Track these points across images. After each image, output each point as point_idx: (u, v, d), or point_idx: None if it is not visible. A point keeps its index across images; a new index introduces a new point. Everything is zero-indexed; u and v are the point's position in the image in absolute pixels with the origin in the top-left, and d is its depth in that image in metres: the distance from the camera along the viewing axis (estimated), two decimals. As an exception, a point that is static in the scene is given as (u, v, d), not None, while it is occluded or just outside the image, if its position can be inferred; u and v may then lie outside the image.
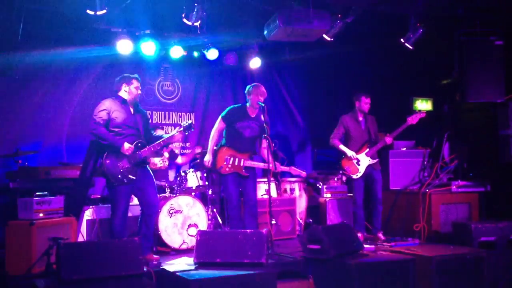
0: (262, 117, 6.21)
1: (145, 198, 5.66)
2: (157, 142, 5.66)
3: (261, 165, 6.38)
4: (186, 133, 5.84)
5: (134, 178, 5.49)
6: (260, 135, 6.37)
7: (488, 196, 7.17)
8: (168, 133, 6.78)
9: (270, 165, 6.04)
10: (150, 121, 7.27)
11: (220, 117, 6.38)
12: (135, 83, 5.68)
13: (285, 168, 6.58)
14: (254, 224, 6.29)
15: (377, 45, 8.39)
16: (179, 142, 7.95)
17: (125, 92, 5.67)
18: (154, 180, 5.79)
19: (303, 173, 6.63)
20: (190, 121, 5.82)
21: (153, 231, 5.80)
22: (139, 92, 5.73)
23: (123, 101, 5.65)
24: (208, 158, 6.37)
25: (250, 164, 6.29)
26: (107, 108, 5.52)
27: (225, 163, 6.22)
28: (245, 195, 6.37)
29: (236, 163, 6.25)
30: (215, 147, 6.36)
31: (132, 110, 5.69)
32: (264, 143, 6.21)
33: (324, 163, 9.02)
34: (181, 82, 8.80)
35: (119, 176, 5.44)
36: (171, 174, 7.85)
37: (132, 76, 5.74)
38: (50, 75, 7.60)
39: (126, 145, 5.45)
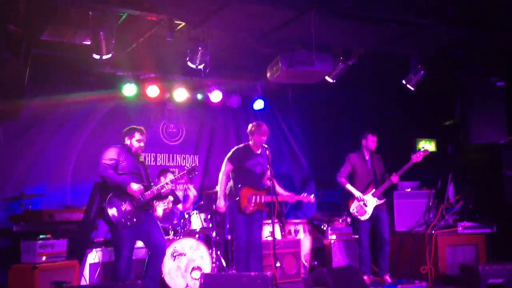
0: (266, 152, 6.24)
1: (152, 240, 5.62)
2: (161, 185, 5.68)
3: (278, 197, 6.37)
4: (190, 176, 5.85)
5: (136, 221, 5.47)
6: (267, 169, 6.35)
7: (495, 237, 7.09)
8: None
9: (273, 204, 6.04)
10: (154, 163, 7.30)
11: (226, 160, 6.39)
12: (137, 136, 5.73)
13: (294, 197, 6.68)
14: (259, 267, 6.23)
15: (379, 86, 8.48)
16: (182, 184, 7.95)
17: (129, 146, 5.72)
18: (158, 223, 5.77)
19: (313, 199, 6.69)
20: (194, 164, 5.85)
21: (160, 273, 5.73)
22: (141, 144, 5.77)
23: (128, 149, 5.71)
24: (221, 203, 6.37)
25: (268, 199, 6.24)
26: (115, 157, 5.57)
27: (248, 203, 6.21)
28: (250, 237, 6.32)
29: (258, 201, 6.27)
30: (227, 190, 6.36)
31: (137, 159, 5.75)
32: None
33: (328, 204, 9.00)
34: (185, 124, 8.86)
35: (123, 220, 5.42)
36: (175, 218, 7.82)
37: (136, 128, 5.78)
38: (55, 119, 7.67)
39: (135, 186, 5.47)
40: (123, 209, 5.44)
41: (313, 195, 6.72)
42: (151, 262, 5.60)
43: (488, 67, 6.99)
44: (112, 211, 5.42)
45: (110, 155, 5.58)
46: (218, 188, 6.45)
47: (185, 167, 5.86)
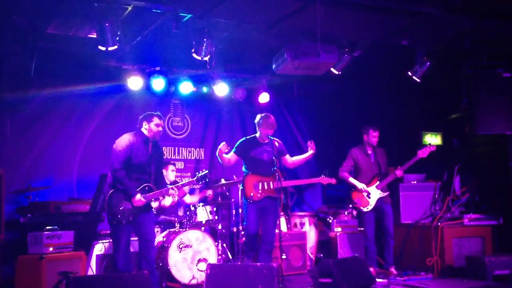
0: (276, 143, 6.21)
1: (141, 232, 5.63)
2: (166, 189, 5.67)
3: (290, 182, 6.34)
4: (200, 183, 5.86)
5: (132, 220, 5.47)
6: (277, 157, 6.32)
7: (501, 229, 7.08)
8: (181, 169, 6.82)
9: (279, 196, 6.02)
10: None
11: (232, 152, 6.37)
12: (156, 120, 5.72)
13: (313, 180, 6.67)
14: (268, 261, 6.18)
15: (384, 79, 8.46)
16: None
17: (145, 130, 5.71)
18: (153, 217, 5.78)
19: (333, 180, 6.62)
20: (205, 171, 5.83)
21: (154, 266, 5.74)
22: (160, 129, 5.76)
23: (144, 139, 5.68)
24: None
25: (278, 185, 6.09)
26: (127, 149, 5.53)
27: (254, 190, 6.16)
28: (264, 229, 6.26)
29: (266, 187, 6.19)
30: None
31: (150, 148, 5.71)
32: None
33: (334, 198, 8.99)
34: (190, 118, 8.87)
35: (119, 216, 5.43)
36: (181, 210, 7.84)
37: (154, 113, 5.78)
38: (62, 112, 7.71)
39: (138, 197, 5.46)
40: (121, 207, 5.44)
41: (333, 178, 6.66)
42: (142, 255, 5.61)
43: (494, 59, 6.96)
44: (111, 207, 5.44)
45: (122, 148, 5.52)
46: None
47: (196, 174, 5.85)
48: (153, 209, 5.76)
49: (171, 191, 5.68)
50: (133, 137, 5.65)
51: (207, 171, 5.85)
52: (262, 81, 8.63)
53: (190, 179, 5.87)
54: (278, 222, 6.09)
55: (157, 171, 5.82)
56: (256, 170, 6.24)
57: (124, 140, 5.60)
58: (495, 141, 7.58)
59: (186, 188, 7.75)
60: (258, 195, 6.16)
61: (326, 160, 9.44)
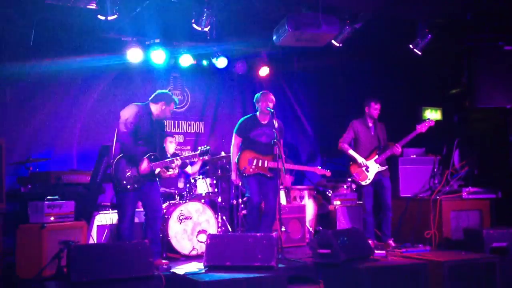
0: (275, 123, 6.21)
1: (149, 203, 5.67)
2: (170, 159, 5.66)
3: (285, 165, 6.37)
4: (202, 158, 5.86)
5: (137, 187, 5.49)
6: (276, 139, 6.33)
7: (499, 203, 7.10)
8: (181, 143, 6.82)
9: (281, 173, 6.03)
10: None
11: (234, 134, 6.37)
12: (172, 106, 5.71)
13: (308, 168, 6.59)
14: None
15: (385, 54, 8.42)
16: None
17: (156, 107, 5.65)
18: (159, 186, 5.81)
19: (328, 172, 6.64)
20: (208, 147, 5.82)
21: (159, 236, 5.79)
22: (169, 114, 5.77)
23: (149, 113, 5.66)
24: (233, 176, 6.34)
25: (274, 165, 6.16)
26: (134, 120, 5.50)
27: (248, 164, 6.19)
28: (265, 203, 6.30)
29: (260, 164, 6.21)
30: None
31: (154, 123, 5.70)
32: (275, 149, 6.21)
33: (333, 171, 8.96)
34: (190, 91, 8.85)
35: (124, 182, 5.44)
36: (181, 181, 7.87)
37: (174, 98, 5.73)
38: (61, 84, 7.69)
39: (144, 164, 5.47)
40: (127, 174, 5.45)
41: (329, 170, 6.69)
42: (149, 225, 5.65)
43: (496, 32, 6.92)
44: (117, 173, 5.45)
45: (131, 115, 5.51)
46: (231, 159, 6.38)
47: (199, 148, 5.84)
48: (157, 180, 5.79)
49: (176, 162, 5.69)
50: (140, 108, 5.62)
51: (209, 147, 5.85)
52: (262, 54, 8.60)
53: (193, 153, 5.86)
54: (278, 197, 6.14)
55: (160, 143, 5.84)
56: (253, 148, 6.27)
57: (132, 109, 5.58)
58: (495, 115, 7.57)
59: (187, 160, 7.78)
60: (251, 170, 6.18)
61: (326, 134, 9.47)
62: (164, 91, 5.78)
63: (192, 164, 7.71)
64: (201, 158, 5.87)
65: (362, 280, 5.04)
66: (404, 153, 7.66)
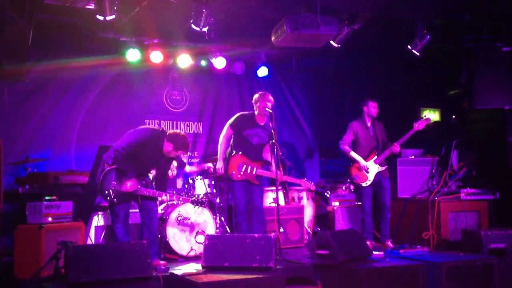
0: (271, 124, 6.21)
1: (143, 205, 5.65)
2: (159, 193, 5.62)
3: (273, 174, 6.38)
4: (193, 206, 5.86)
5: (116, 202, 5.43)
6: (268, 143, 6.36)
7: (497, 204, 7.11)
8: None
9: (276, 171, 6.03)
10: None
11: (227, 124, 6.38)
12: (179, 153, 5.67)
13: (295, 180, 6.62)
14: (262, 231, 6.27)
15: (383, 54, 8.42)
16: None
17: (167, 144, 5.61)
18: (153, 187, 5.81)
19: (313, 186, 6.64)
20: (201, 197, 5.81)
21: (156, 236, 5.79)
22: (173, 156, 5.73)
23: (160, 150, 5.62)
24: (219, 165, 6.34)
25: (262, 173, 6.27)
26: (143, 142, 5.52)
27: (237, 170, 6.20)
28: (252, 203, 6.35)
29: (249, 171, 6.24)
30: (226, 154, 6.37)
31: (161, 153, 5.66)
32: (268, 149, 6.22)
33: (331, 172, 9.02)
34: (188, 91, 8.85)
35: (106, 192, 5.43)
36: (179, 182, 7.86)
37: (186, 144, 5.67)
38: (60, 84, 7.68)
39: (129, 183, 5.45)
40: (112, 187, 5.44)
41: (312, 183, 6.69)
42: (145, 225, 5.66)
43: (494, 33, 6.93)
44: (104, 181, 5.44)
45: (139, 140, 5.53)
46: (218, 148, 6.39)
47: (190, 199, 5.81)
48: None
49: (163, 197, 5.69)
50: (153, 136, 5.61)
51: (202, 197, 5.83)
52: (261, 55, 8.59)
53: (186, 198, 5.85)
54: (276, 196, 6.15)
55: (163, 171, 5.81)
56: (244, 151, 6.26)
57: (144, 134, 5.61)
58: (494, 116, 7.58)
59: (185, 159, 7.77)
60: (239, 176, 6.21)
61: (324, 135, 9.47)
62: (181, 134, 5.70)
63: (190, 164, 7.70)
64: (193, 205, 5.88)
65: (360, 281, 5.04)
66: (402, 154, 7.68)
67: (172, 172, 7.28)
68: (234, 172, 6.20)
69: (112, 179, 5.43)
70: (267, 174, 6.35)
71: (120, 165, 5.46)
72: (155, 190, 5.60)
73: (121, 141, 5.56)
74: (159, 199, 5.70)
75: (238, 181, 6.23)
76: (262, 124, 6.37)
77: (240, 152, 6.26)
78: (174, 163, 7.35)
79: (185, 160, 8.00)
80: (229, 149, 6.41)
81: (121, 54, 7.65)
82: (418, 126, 6.91)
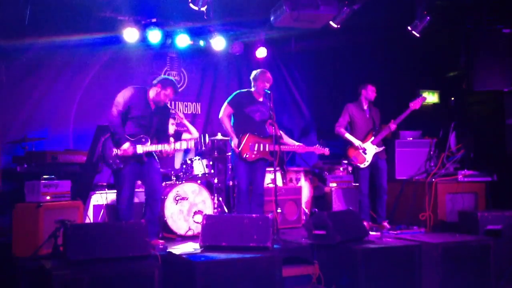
0: (269, 103, 6.20)
1: (148, 184, 5.70)
2: (157, 146, 5.65)
3: (289, 149, 6.40)
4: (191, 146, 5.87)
5: (123, 166, 5.49)
6: (268, 119, 6.33)
7: (495, 186, 7.14)
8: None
9: (274, 151, 6.03)
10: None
11: (226, 103, 6.34)
12: (168, 92, 5.68)
13: (308, 148, 6.64)
14: (260, 213, 6.27)
15: (383, 36, 8.38)
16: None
17: (154, 91, 5.69)
18: (159, 167, 5.81)
19: (327, 151, 6.64)
20: (197, 140, 5.81)
21: (158, 217, 5.82)
22: (167, 100, 5.76)
23: (146, 96, 5.69)
24: (235, 141, 6.22)
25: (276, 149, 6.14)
26: (127, 100, 5.56)
27: (250, 151, 6.16)
28: (254, 184, 6.33)
29: (262, 149, 6.22)
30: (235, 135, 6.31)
31: (152, 108, 5.71)
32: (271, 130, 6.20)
33: (330, 154, 9.01)
34: (187, 72, 8.81)
35: (110, 160, 5.49)
36: (178, 161, 7.85)
37: (174, 84, 5.71)
38: (57, 62, 7.62)
39: (125, 146, 5.49)
40: (113, 153, 5.49)
41: (327, 148, 6.69)
42: (148, 205, 5.69)
43: (494, 14, 6.89)
44: (104, 150, 5.52)
45: (124, 98, 5.57)
46: (225, 127, 6.33)
47: (188, 142, 5.81)
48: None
49: (166, 147, 5.69)
50: (136, 90, 5.66)
51: (198, 140, 5.85)
52: (259, 35, 8.54)
53: (182, 142, 5.82)
54: (274, 177, 6.15)
55: (160, 128, 5.81)
56: (249, 129, 6.22)
57: (127, 91, 5.64)
58: (492, 98, 7.58)
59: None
60: (253, 156, 6.19)
61: (322, 116, 9.46)
62: (166, 76, 5.79)
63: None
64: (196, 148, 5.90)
65: (356, 261, 5.06)
66: (400, 136, 7.69)
67: (171, 147, 7.27)
68: (247, 153, 6.17)
69: (112, 147, 5.49)
70: (275, 148, 6.25)
71: (111, 132, 5.52)
72: (155, 144, 5.63)
73: (111, 107, 5.58)
74: (162, 149, 5.66)
75: (251, 161, 6.19)
76: (261, 100, 6.35)
77: (248, 133, 6.22)
78: (172, 140, 7.36)
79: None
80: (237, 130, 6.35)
81: (118, 33, 7.59)
82: (414, 105, 6.92)
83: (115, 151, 5.48)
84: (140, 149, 5.53)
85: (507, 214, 6.26)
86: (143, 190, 5.98)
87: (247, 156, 6.16)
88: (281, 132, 6.47)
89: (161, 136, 5.81)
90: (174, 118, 7.62)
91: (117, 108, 5.53)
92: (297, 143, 6.75)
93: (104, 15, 7.33)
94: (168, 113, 6.01)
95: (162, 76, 5.80)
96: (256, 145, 6.20)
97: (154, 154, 5.80)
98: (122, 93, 5.61)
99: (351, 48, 9.06)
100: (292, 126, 9.54)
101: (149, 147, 5.58)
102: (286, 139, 6.66)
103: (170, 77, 5.83)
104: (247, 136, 6.19)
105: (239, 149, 6.16)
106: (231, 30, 8.26)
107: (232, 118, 6.35)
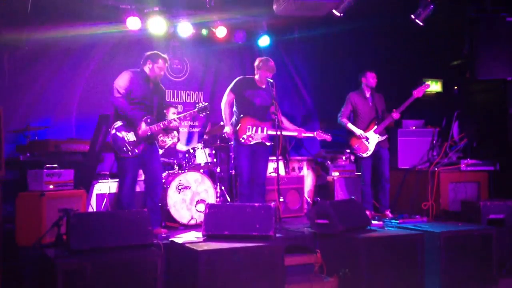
0: (271, 91, 6.18)
1: (148, 172, 5.75)
2: (168, 120, 5.75)
3: (289, 133, 6.37)
4: (201, 115, 5.90)
5: (138, 152, 5.56)
6: (270, 106, 6.32)
7: (497, 175, 7.13)
8: (181, 112, 6.85)
9: (277, 142, 6.02)
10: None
11: (228, 89, 6.34)
12: (160, 63, 5.71)
13: (310, 134, 6.56)
14: (262, 202, 6.27)
15: (387, 24, 8.34)
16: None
17: (148, 68, 5.72)
18: (159, 156, 5.83)
19: (329, 137, 6.59)
20: (206, 103, 5.84)
21: (159, 205, 5.84)
22: (162, 73, 5.80)
23: (145, 77, 5.72)
24: (227, 129, 6.27)
25: (274, 133, 6.16)
26: (127, 84, 5.59)
27: (246, 133, 6.16)
28: (255, 173, 6.32)
29: (260, 132, 6.21)
30: (232, 120, 6.32)
31: (151, 87, 5.74)
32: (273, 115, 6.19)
33: (332, 142, 8.96)
34: (189, 61, 8.79)
35: (125, 148, 5.54)
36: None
37: (161, 55, 5.76)
38: (60, 51, 7.61)
39: (143, 126, 5.55)
40: (126, 139, 5.53)
41: (329, 135, 6.65)
42: (148, 193, 5.74)
43: (498, 2, 6.83)
44: (116, 139, 5.53)
45: (124, 81, 5.60)
46: (223, 115, 6.36)
47: (196, 105, 5.89)
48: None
49: (174, 123, 5.72)
50: (134, 73, 5.70)
51: (207, 103, 5.89)
52: (262, 24, 8.50)
53: (192, 110, 5.91)
54: (276, 166, 6.15)
55: (159, 108, 5.87)
56: (248, 113, 6.21)
57: (124, 75, 5.66)
58: (496, 87, 7.54)
59: (185, 132, 7.77)
60: (251, 139, 6.17)
61: (325, 105, 9.43)
62: (150, 52, 5.81)
63: (191, 134, 7.70)
64: (200, 115, 5.89)
65: (359, 250, 5.07)
66: (403, 125, 7.68)
67: (173, 139, 7.29)
68: (244, 136, 6.15)
69: (124, 133, 5.54)
70: (277, 133, 6.25)
71: (122, 116, 5.55)
72: (162, 121, 5.70)
73: (113, 92, 5.59)
74: (172, 125, 5.77)
75: (248, 145, 6.17)
76: (263, 86, 6.33)
77: (247, 115, 6.21)
78: (176, 133, 7.37)
79: (184, 130, 8.01)
80: (234, 116, 6.36)
81: (121, 22, 7.57)
82: (417, 93, 6.90)
83: (127, 137, 5.50)
84: (153, 128, 5.60)
85: (509, 204, 6.25)
86: (143, 179, 6.00)
87: (244, 139, 6.14)
88: (282, 118, 6.45)
89: (161, 117, 5.88)
90: (176, 107, 7.65)
91: (120, 91, 5.55)
92: (294, 127, 6.64)
93: (107, 3, 7.30)
94: (163, 93, 6.10)
95: (146, 53, 5.78)
96: (254, 128, 6.18)
97: (156, 143, 5.83)
98: (120, 77, 5.64)
99: (354, 36, 9.02)
100: (294, 114, 9.52)
101: (159, 125, 5.63)
102: (287, 123, 6.56)
103: (152, 52, 5.82)
104: (243, 118, 6.19)
105: (237, 129, 6.15)
106: (234, 18, 8.21)
107: (235, 105, 6.33)
